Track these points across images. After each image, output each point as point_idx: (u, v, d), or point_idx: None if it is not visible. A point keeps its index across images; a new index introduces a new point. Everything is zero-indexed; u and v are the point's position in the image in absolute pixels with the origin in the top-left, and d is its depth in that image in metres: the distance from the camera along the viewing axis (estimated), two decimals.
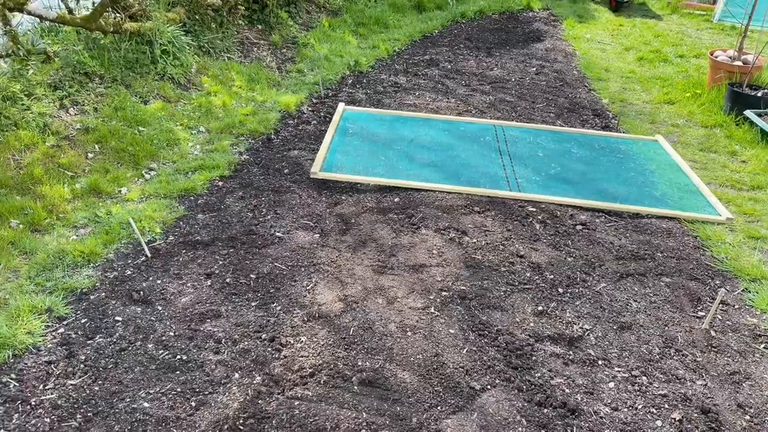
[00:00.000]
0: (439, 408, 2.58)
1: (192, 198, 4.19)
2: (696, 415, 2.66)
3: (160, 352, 2.82)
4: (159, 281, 3.33)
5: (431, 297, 3.31)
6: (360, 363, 2.79)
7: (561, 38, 8.88)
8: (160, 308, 3.12)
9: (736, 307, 3.45)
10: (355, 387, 2.66)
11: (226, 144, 4.99)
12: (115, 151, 4.57)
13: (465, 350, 2.92)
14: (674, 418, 2.62)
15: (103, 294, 3.20)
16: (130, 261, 3.49)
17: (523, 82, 6.98)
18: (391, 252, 3.71)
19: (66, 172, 4.21)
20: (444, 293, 3.35)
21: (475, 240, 3.88)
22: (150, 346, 2.85)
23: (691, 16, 10.37)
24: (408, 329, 3.04)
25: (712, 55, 6.63)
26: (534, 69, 7.44)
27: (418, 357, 2.86)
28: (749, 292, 3.58)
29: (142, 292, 3.22)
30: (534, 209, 4.30)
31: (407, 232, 3.92)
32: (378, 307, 3.20)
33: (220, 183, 4.42)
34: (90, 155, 4.47)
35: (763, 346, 3.16)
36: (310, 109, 5.84)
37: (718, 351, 3.08)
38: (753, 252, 3.96)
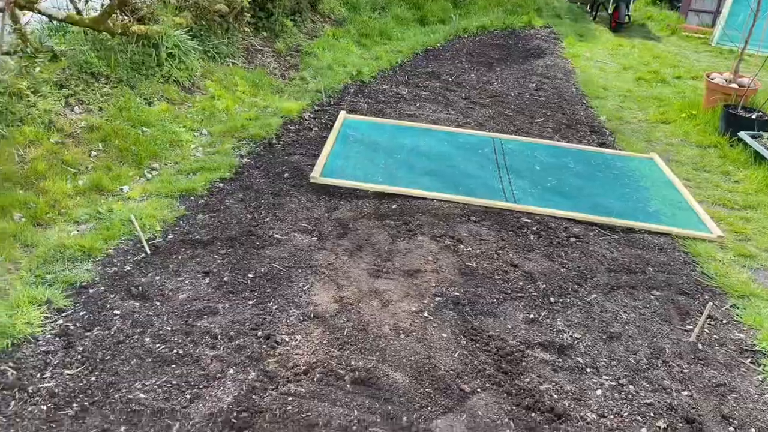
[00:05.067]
0: (429, 408, 2.63)
1: (192, 198, 4.25)
2: (681, 424, 2.72)
3: (157, 345, 2.87)
4: (158, 277, 3.38)
5: (425, 301, 3.36)
6: (353, 362, 2.84)
7: (561, 56, 9.01)
8: (158, 304, 3.17)
9: (724, 322, 3.51)
10: (348, 386, 2.71)
11: (228, 147, 5.06)
12: (119, 150, 4.63)
13: (456, 354, 2.98)
14: (659, 427, 2.68)
15: (102, 288, 3.25)
16: (129, 257, 3.55)
17: (522, 97, 7.09)
18: (387, 257, 3.77)
19: (69, 169, 4.27)
20: (438, 298, 3.40)
21: (470, 248, 3.95)
22: (147, 339, 2.90)
23: (690, 39, 10.54)
24: (401, 332, 3.10)
25: (708, 77, 6.76)
26: (534, 85, 7.55)
27: (410, 359, 2.91)
28: (737, 308, 3.64)
29: (140, 288, 3.27)
30: (529, 220, 4.38)
31: (404, 238, 3.99)
32: (372, 310, 3.25)
33: (221, 185, 4.49)
34: (93, 153, 4.54)
35: (749, 360, 3.22)
36: (311, 116, 5.92)
37: (704, 363, 3.13)
38: (742, 269, 4.03)
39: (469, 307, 3.35)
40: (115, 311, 3.08)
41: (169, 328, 2.98)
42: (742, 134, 5.75)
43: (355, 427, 2.48)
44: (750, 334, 3.41)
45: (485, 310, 3.35)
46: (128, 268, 3.44)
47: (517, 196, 4.71)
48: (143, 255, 3.57)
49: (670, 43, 10.33)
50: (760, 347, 3.30)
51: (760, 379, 3.08)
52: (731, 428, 2.75)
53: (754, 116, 5.95)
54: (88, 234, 3.69)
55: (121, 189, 4.29)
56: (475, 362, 2.93)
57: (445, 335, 3.11)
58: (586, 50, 9.41)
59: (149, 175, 4.54)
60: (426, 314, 3.26)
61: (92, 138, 4.62)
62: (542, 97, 7.13)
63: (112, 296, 3.19)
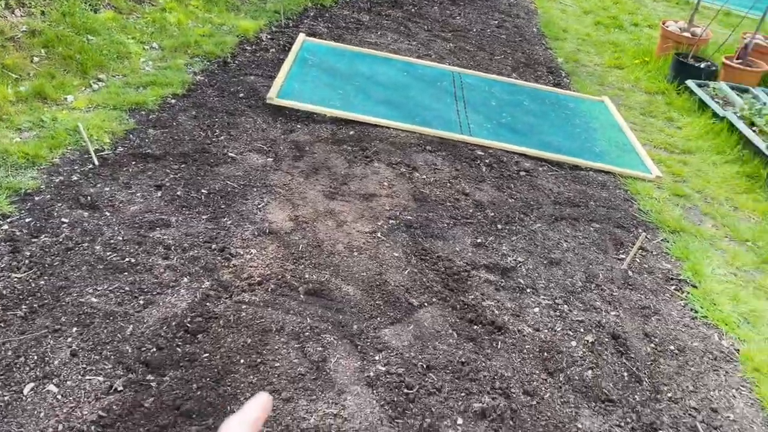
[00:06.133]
0: (378, 318, 2.76)
1: (143, 112, 4.12)
2: (607, 339, 2.97)
3: (108, 254, 2.85)
4: (107, 189, 3.31)
5: (379, 223, 3.45)
6: (307, 276, 2.92)
7: None
8: (108, 214, 3.12)
9: (654, 253, 3.77)
10: (301, 296, 2.80)
11: (181, 63, 4.87)
12: (62, 58, 4.38)
13: (407, 272, 3.10)
14: (587, 340, 2.91)
15: (49, 196, 3.16)
16: (76, 167, 3.44)
17: (483, 33, 7.06)
18: (343, 180, 3.81)
19: (10, 74, 4.02)
20: (391, 221, 3.50)
21: (424, 176, 4.03)
22: (97, 248, 2.87)
23: None
24: (355, 250, 3.19)
25: (663, 24, 6.90)
26: (496, 22, 7.52)
27: (362, 274, 3.01)
28: (667, 242, 3.92)
29: (89, 198, 3.20)
30: (482, 153, 4.48)
31: (360, 164, 4.02)
32: (327, 229, 3.31)
33: (173, 101, 4.35)
34: (36, 59, 4.28)
35: (673, 287, 3.50)
36: (269, 37, 5.73)
37: (633, 288, 3.39)
38: (675, 207, 4.30)
39: (421, 230, 3.47)
40: (63, 219, 3.02)
41: (121, 238, 2.96)
42: (690, 82, 5.98)
43: (307, 333, 2.58)
44: (677, 265, 3.70)
45: (436, 233, 3.47)
46: (75, 178, 3.34)
47: (472, 129, 4.79)
48: (91, 166, 3.47)
49: None
50: (684, 276, 3.59)
51: (682, 305, 3.37)
52: (652, 345, 3.02)
53: (702, 65, 6.17)
54: (31, 141, 3.54)
55: (66, 98, 4.09)
56: (424, 279, 3.07)
57: (396, 254, 3.22)
58: None
59: (95, 86, 4.34)
60: (379, 235, 3.35)
61: (34, 43, 4.34)
62: (503, 35, 7.12)
63: (59, 204, 3.11)
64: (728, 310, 3.36)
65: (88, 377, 2.27)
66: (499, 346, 2.76)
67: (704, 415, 2.68)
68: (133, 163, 3.57)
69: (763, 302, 3.49)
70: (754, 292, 3.58)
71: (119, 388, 2.23)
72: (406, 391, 2.42)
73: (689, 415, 2.66)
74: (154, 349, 2.40)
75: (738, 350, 3.12)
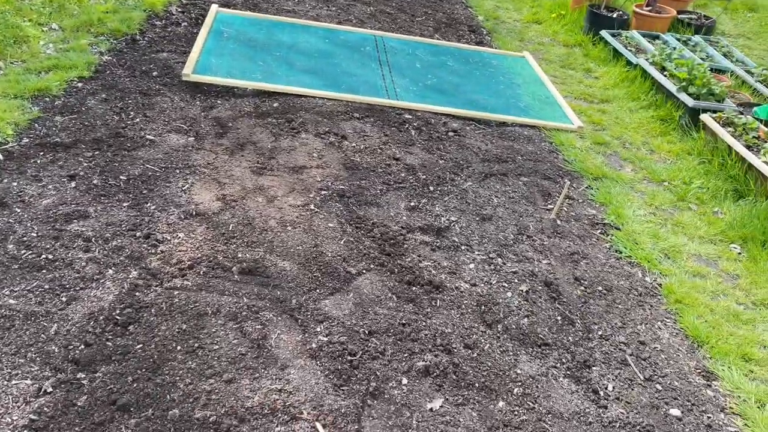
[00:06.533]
0: (318, 290, 2.75)
1: (47, 99, 3.84)
2: (540, 287, 3.08)
3: (23, 252, 2.67)
4: (15, 183, 3.08)
5: (311, 195, 3.40)
6: (240, 255, 2.85)
7: None
8: (18, 210, 2.91)
9: (580, 201, 3.93)
10: (236, 276, 2.73)
11: (84, 43, 4.55)
12: None
13: (343, 241, 3.09)
14: (522, 290, 3.02)
15: None
16: None
17: None
18: (271, 155, 3.72)
19: None
20: (323, 192, 3.45)
21: (354, 144, 3.99)
22: (10, 246, 2.69)
23: None
24: (288, 224, 3.13)
25: None
26: None
27: (298, 248, 2.98)
28: (591, 188, 4.08)
29: None
30: (410, 117, 4.48)
31: (287, 136, 3.93)
32: (258, 206, 3.24)
33: (80, 84, 4.07)
34: None
35: (599, 232, 3.66)
36: (179, 10, 5.44)
37: (561, 236, 3.52)
38: (597, 155, 4.48)
39: (354, 199, 3.45)
40: None
41: (35, 234, 2.78)
42: (604, 33, 6.16)
43: (245, 313, 2.54)
44: (601, 210, 3.86)
45: (369, 200, 3.46)
46: None
47: (399, 93, 4.76)
48: None
49: None
50: (609, 220, 3.76)
51: (607, 247, 3.54)
52: (582, 288, 3.16)
53: (614, 15, 6.37)
54: None
55: None
56: (361, 247, 3.07)
57: (331, 225, 3.19)
58: None
59: None
60: (312, 207, 3.31)
61: None
62: None
63: None
64: (649, 248, 3.56)
65: (14, 382, 2.14)
66: (438, 305, 2.81)
67: (633, 348, 2.85)
68: (41, 153, 3.34)
69: (681, 238, 3.72)
70: (672, 228, 3.80)
71: (49, 390, 2.12)
72: (349, 358, 2.44)
73: (619, 349, 2.82)
74: (83, 346, 2.29)
75: (660, 285, 3.32)
